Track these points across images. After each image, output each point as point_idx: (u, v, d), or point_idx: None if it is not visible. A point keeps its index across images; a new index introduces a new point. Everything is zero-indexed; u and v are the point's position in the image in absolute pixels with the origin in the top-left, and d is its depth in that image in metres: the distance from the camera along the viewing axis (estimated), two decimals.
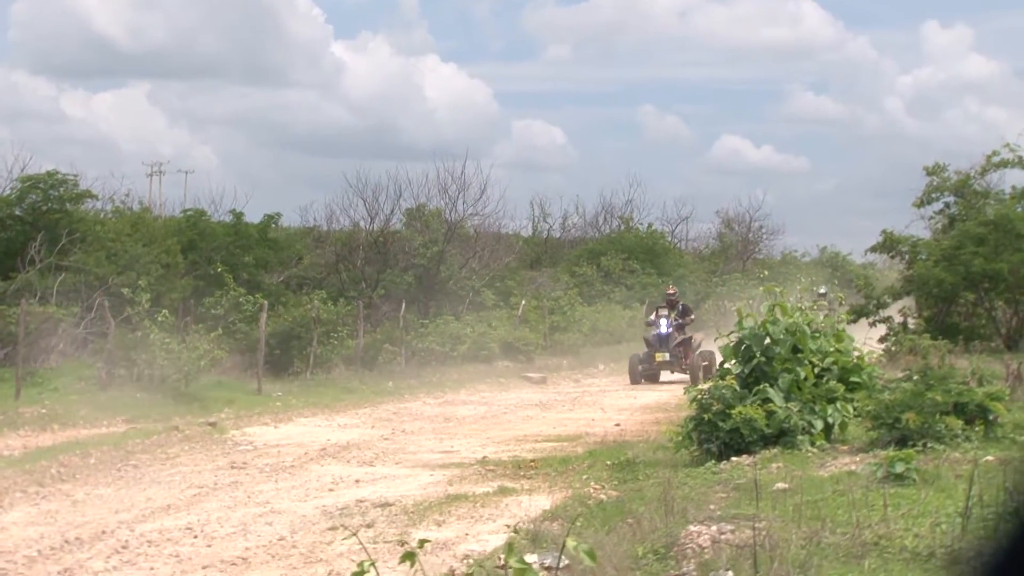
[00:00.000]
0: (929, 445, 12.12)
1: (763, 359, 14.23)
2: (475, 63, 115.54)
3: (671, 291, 30.66)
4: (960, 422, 12.72)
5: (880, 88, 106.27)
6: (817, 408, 13.89)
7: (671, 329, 29.10)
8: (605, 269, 46.94)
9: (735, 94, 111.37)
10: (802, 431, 13.49)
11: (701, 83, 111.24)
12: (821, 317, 28.38)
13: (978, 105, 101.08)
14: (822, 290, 33.48)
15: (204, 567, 9.94)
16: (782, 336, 14.35)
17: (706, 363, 27.44)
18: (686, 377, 27.83)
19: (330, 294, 34.85)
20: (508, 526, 10.46)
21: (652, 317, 30.20)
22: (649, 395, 25.71)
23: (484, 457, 16.01)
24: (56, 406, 20.67)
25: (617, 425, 19.58)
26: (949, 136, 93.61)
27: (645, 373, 28.88)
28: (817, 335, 14.77)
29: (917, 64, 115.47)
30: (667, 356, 28.85)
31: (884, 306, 28.89)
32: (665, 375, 29.32)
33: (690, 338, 29.43)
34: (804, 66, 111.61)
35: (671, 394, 24.02)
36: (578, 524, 9.21)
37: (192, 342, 24.31)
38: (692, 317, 30.10)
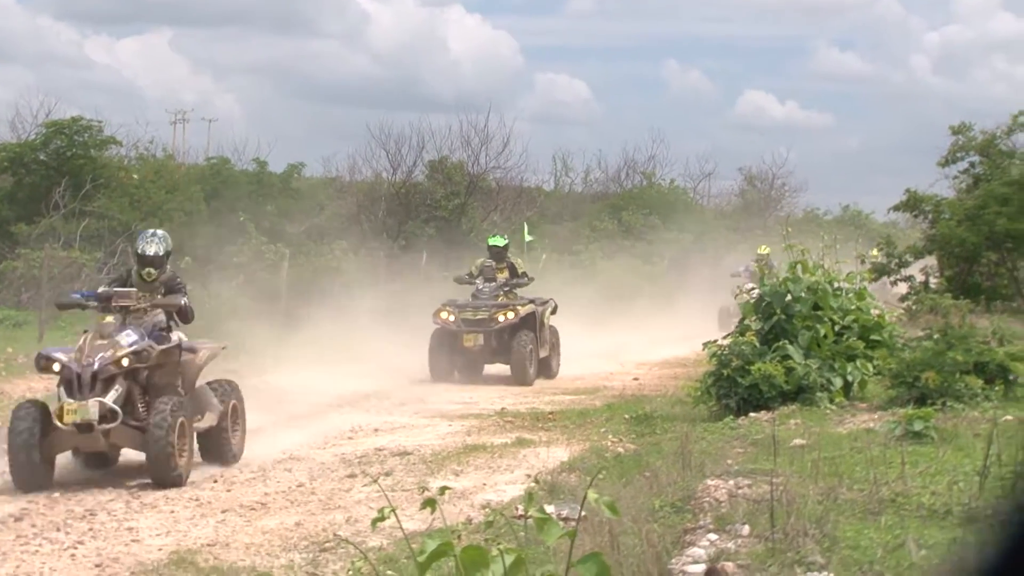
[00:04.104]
0: (948, 404, 12.11)
1: (783, 316, 14.22)
2: (499, 15, 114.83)
3: None
4: (980, 381, 12.71)
5: (907, 46, 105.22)
6: (836, 365, 13.90)
7: None
8: (626, 224, 46.83)
9: (760, 50, 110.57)
10: (821, 388, 13.51)
11: (725, 38, 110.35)
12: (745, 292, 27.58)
13: (1006, 64, 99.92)
14: (764, 250, 31.40)
15: (224, 511, 10.03)
16: (803, 294, 14.34)
17: None
18: None
19: (351, 245, 34.88)
20: (528, 476, 10.52)
21: None
22: (668, 350, 25.71)
23: (502, 408, 16.08)
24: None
25: (635, 379, 19.64)
26: (975, 95, 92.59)
27: None
28: (839, 292, 14.75)
29: (945, 22, 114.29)
30: None
31: (906, 265, 28.79)
32: None
33: None
34: (831, 22, 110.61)
35: (691, 349, 24.02)
36: (606, 477, 9.26)
37: (214, 289, 24.40)
38: None
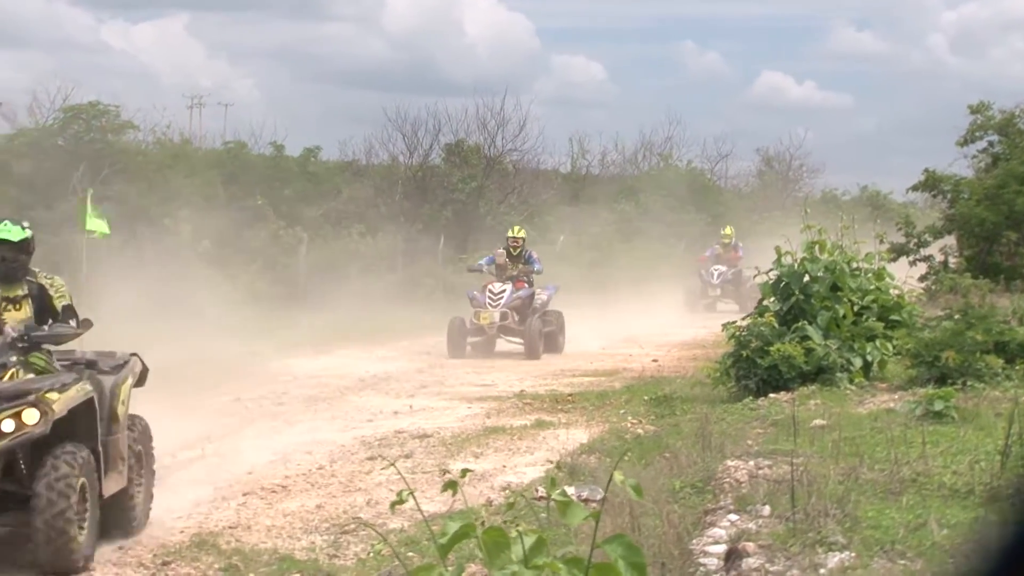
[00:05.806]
0: (969, 383, 12.07)
1: (802, 297, 14.19)
2: None
3: None
4: (1000, 361, 12.67)
5: (924, 25, 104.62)
6: (856, 346, 13.86)
7: None
8: (644, 206, 46.74)
9: (776, 31, 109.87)
10: (840, 368, 13.47)
11: (742, 19, 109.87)
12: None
13: None
14: (518, 231, 23.37)
15: (244, 494, 10.06)
16: (821, 274, 14.31)
17: None
18: None
19: (369, 228, 34.91)
20: (548, 459, 10.52)
21: None
22: (687, 331, 25.70)
23: (521, 391, 16.09)
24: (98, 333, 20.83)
25: (654, 361, 19.61)
26: (994, 74, 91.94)
27: None
28: (857, 273, 14.71)
29: (961, 0, 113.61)
30: None
31: (925, 245, 28.70)
32: None
33: None
34: (847, 2, 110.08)
35: (708, 331, 23.98)
36: (626, 459, 9.26)
37: (232, 273, 24.46)
38: None
